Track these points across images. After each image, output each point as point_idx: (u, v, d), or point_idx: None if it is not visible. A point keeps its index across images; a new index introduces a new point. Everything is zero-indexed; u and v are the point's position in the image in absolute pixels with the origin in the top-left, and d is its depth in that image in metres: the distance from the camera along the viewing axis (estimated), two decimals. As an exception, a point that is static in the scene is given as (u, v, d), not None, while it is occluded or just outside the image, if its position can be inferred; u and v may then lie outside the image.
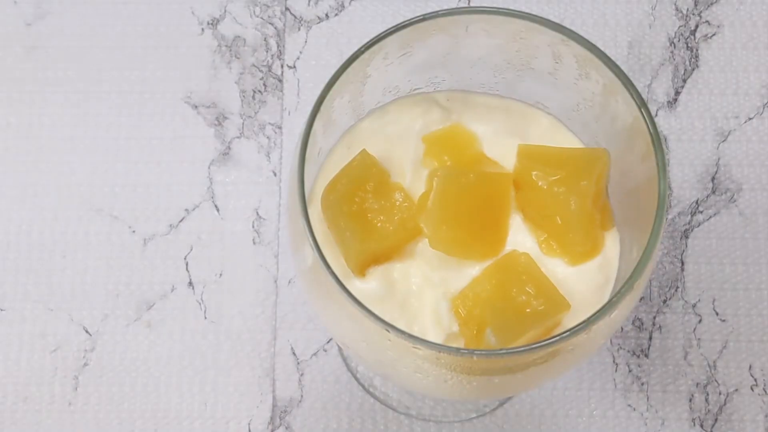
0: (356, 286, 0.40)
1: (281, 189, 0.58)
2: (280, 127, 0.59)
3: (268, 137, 0.59)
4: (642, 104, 0.37)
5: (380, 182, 0.41)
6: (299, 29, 0.60)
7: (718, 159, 0.58)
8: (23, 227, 0.58)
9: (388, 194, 0.40)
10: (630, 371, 0.55)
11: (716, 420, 0.54)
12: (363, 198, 0.40)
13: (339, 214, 0.40)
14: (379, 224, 0.40)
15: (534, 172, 0.41)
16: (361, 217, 0.40)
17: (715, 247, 0.57)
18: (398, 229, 0.40)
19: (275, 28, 0.60)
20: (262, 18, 0.61)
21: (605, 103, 0.40)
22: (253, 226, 0.57)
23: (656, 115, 0.59)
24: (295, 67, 0.60)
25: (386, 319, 0.35)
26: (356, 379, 0.55)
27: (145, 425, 0.55)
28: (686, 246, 0.57)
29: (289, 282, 0.56)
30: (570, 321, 0.39)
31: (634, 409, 0.55)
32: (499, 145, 0.43)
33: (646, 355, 0.55)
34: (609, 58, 0.38)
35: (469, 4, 0.60)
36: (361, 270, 0.40)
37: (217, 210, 0.58)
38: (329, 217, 0.40)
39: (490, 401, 0.55)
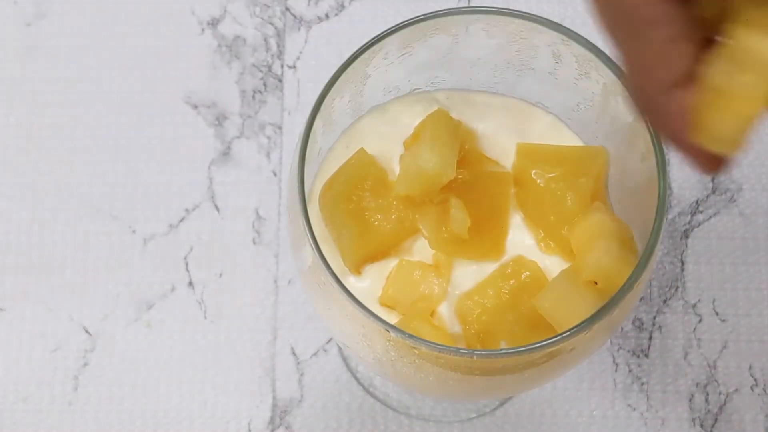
0: (352, 284, 0.40)
1: (281, 189, 0.58)
2: (280, 127, 0.59)
3: (268, 137, 0.59)
4: None
5: (378, 180, 0.41)
6: (299, 29, 0.60)
7: (718, 159, 0.58)
8: (23, 227, 0.58)
9: (385, 192, 0.40)
10: (630, 371, 0.55)
11: (716, 420, 0.54)
12: (360, 196, 0.40)
13: (336, 213, 0.40)
14: (376, 222, 0.40)
15: (533, 171, 0.41)
16: (358, 216, 0.40)
17: (715, 247, 0.57)
18: (395, 228, 0.40)
19: (275, 28, 0.60)
20: (262, 18, 0.61)
21: (605, 102, 0.40)
22: (253, 226, 0.57)
23: (656, 115, 0.59)
24: (295, 67, 0.60)
25: (384, 317, 0.35)
26: (356, 379, 0.55)
27: (145, 425, 0.55)
28: (686, 246, 0.57)
29: (289, 282, 0.56)
30: None
31: (634, 409, 0.55)
32: (499, 143, 0.43)
33: (646, 355, 0.55)
34: (609, 58, 0.38)
35: (469, 3, 0.60)
36: (357, 268, 0.40)
37: (217, 210, 0.58)
38: (326, 215, 0.40)
39: (490, 401, 0.55)
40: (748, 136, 0.23)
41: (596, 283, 0.38)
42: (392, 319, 0.40)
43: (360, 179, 0.40)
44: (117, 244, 0.57)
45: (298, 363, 0.55)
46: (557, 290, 0.38)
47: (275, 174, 0.58)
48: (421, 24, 0.39)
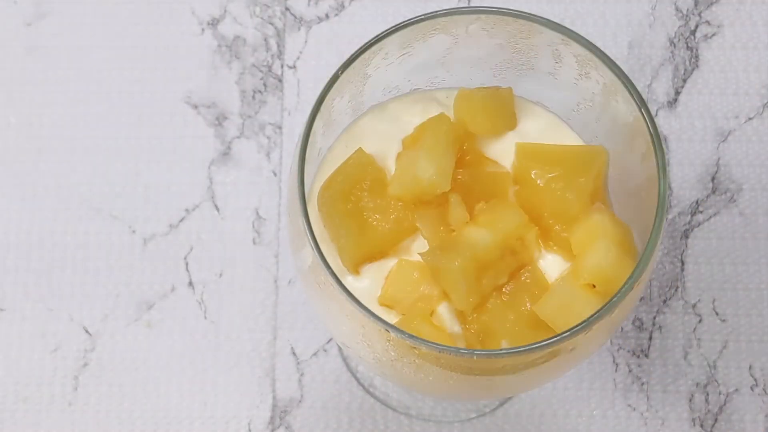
0: (351, 284, 0.40)
1: (281, 189, 0.58)
2: (280, 127, 0.59)
3: (268, 137, 0.59)
4: (642, 104, 0.37)
5: (376, 180, 0.41)
6: (299, 29, 0.60)
7: (718, 159, 0.58)
8: (23, 227, 0.58)
9: (383, 192, 0.40)
10: (630, 371, 0.55)
11: (716, 420, 0.54)
12: (358, 196, 0.40)
13: (334, 213, 0.40)
14: (374, 222, 0.40)
15: (533, 171, 0.41)
16: (356, 216, 0.40)
17: (715, 247, 0.57)
18: (394, 228, 0.40)
19: (275, 28, 0.60)
20: (262, 18, 0.61)
21: (605, 102, 0.40)
22: (253, 226, 0.57)
23: (656, 115, 0.59)
24: (295, 67, 0.60)
25: (384, 317, 0.35)
26: (356, 379, 0.55)
27: (145, 425, 0.55)
28: (686, 246, 0.57)
29: (289, 282, 0.56)
30: None
31: (634, 409, 0.55)
32: (499, 143, 0.43)
33: (646, 355, 0.55)
34: (609, 58, 0.38)
35: (469, 3, 0.60)
36: (356, 268, 0.40)
37: (217, 210, 0.58)
38: (325, 215, 0.40)
39: (490, 401, 0.55)
40: None
41: (594, 286, 0.38)
42: (392, 319, 0.40)
43: (358, 179, 0.40)
44: (117, 244, 0.57)
45: (298, 363, 0.55)
46: (558, 296, 0.38)
47: (275, 174, 0.58)
48: (421, 24, 0.39)
